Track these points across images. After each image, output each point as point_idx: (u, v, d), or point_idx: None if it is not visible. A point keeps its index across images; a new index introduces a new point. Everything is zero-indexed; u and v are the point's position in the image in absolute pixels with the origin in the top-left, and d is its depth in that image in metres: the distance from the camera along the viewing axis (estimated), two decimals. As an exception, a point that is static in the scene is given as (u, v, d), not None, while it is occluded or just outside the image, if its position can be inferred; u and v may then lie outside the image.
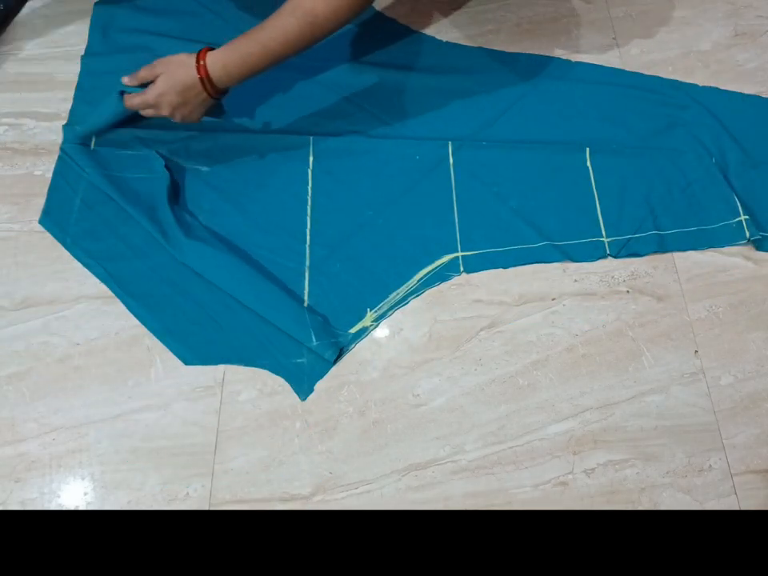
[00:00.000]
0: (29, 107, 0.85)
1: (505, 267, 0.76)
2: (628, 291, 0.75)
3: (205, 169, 0.80)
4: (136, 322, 0.71)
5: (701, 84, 0.89)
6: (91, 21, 0.91)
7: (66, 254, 0.75)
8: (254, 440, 0.67)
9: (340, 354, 0.71)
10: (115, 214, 0.76)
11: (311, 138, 0.83)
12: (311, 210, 0.79)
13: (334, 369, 0.70)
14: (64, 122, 0.83)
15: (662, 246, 0.77)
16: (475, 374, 0.70)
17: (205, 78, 0.69)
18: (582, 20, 0.95)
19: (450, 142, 0.83)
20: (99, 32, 0.90)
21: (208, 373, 0.70)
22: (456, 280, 0.75)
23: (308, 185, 0.80)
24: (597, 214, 0.79)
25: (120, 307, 0.72)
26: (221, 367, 0.70)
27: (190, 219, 0.76)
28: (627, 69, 0.91)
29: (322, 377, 0.70)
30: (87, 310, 0.72)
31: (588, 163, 0.82)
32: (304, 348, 0.70)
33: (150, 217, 0.74)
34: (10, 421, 0.67)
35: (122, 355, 0.70)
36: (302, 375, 0.70)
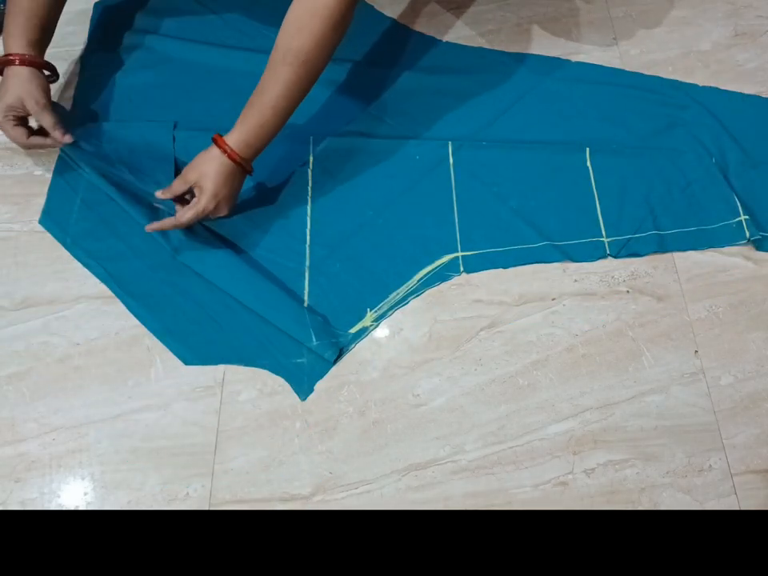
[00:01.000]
0: (29, 107, 0.85)
1: (505, 267, 0.76)
2: (628, 291, 0.75)
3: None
4: (136, 322, 0.71)
5: (701, 84, 0.89)
6: (91, 21, 0.92)
7: (66, 254, 0.75)
8: (254, 440, 0.67)
9: (340, 354, 0.71)
10: (115, 214, 0.76)
11: (311, 138, 0.83)
12: (311, 210, 0.79)
13: (334, 369, 0.70)
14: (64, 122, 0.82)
15: (662, 246, 0.77)
16: (475, 374, 0.70)
17: (239, 160, 0.69)
18: (582, 20, 0.95)
19: (449, 142, 0.83)
20: (99, 32, 0.90)
21: (208, 373, 0.70)
22: (456, 280, 0.75)
23: (308, 185, 0.80)
24: (597, 214, 0.79)
25: (120, 307, 0.72)
26: (221, 367, 0.70)
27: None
28: (627, 69, 0.91)
29: (322, 377, 0.70)
30: (87, 309, 0.72)
31: (588, 163, 0.82)
32: (304, 348, 0.70)
33: (150, 217, 0.74)
34: (9, 421, 0.67)
35: (121, 355, 0.70)
36: (302, 375, 0.70)
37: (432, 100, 0.87)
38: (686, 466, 0.66)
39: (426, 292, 0.74)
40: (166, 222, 0.70)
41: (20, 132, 0.73)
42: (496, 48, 0.92)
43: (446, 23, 0.94)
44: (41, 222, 0.77)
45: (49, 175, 0.79)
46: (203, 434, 0.67)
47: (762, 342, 0.73)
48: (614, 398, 0.69)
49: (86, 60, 0.88)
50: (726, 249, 0.78)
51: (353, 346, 0.71)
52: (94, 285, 0.73)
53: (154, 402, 0.68)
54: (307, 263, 0.76)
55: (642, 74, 0.90)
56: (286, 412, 0.68)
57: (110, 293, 0.73)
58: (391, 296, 0.74)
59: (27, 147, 0.76)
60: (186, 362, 0.70)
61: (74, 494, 0.64)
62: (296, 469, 0.66)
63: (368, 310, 0.73)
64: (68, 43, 0.90)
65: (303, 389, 0.69)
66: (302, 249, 0.76)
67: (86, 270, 0.74)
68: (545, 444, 0.67)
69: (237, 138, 0.68)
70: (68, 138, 0.74)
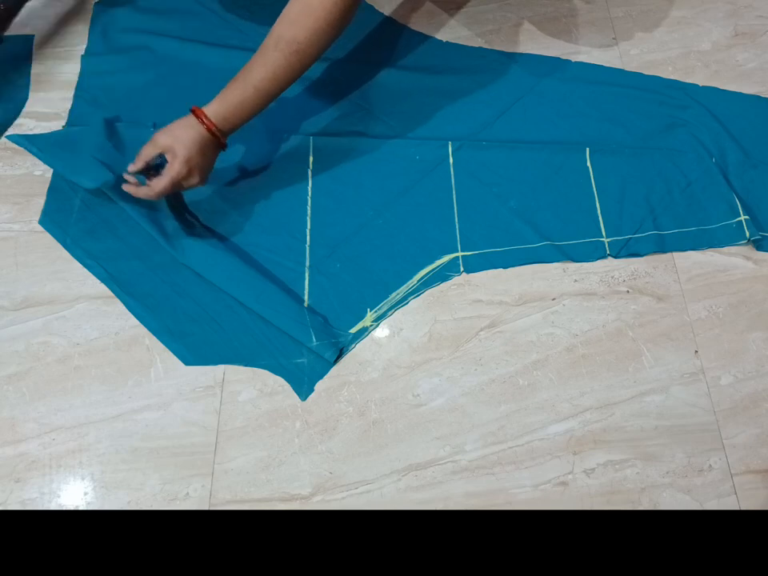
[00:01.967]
0: (29, 107, 0.85)
1: (505, 267, 0.76)
2: (628, 291, 0.75)
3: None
4: (136, 322, 0.71)
5: (701, 84, 0.89)
6: (91, 21, 0.92)
7: (66, 254, 0.75)
8: (254, 440, 0.67)
9: (340, 354, 0.71)
10: (115, 214, 0.76)
11: (311, 138, 0.83)
12: (311, 210, 0.79)
13: (334, 369, 0.70)
14: (64, 122, 0.83)
15: (662, 246, 0.77)
16: (475, 374, 0.70)
17: (215, 130, 0.67)
18: (582, 20, 0.95)
19: (449, 142, 0.83)
20: (99, 32, 0.90)
21: (208, 373, 0.70)
22: (456, 280, 0.75)
23: (308, 185, 0.80)
24: (597, 214, 0.79)
25: (120, 307, 0.72)
26: (221, 367, 0.70)
27: (190, 219, 0.76)
28: (627, 69, 0.91)
29: (322, 377, 0.70)
30: (87, 310, 0.72)
31: (588, 163, 0.82)
32: (304, 348, 0.70)
33: (150, 217, 0.74)
34: (10, 421, 0.67)
35: (122, 355, 0.70)
36: (302, 375, 0.70)
37: (432, 100, 0.87)
38: (685, 466, 0.66)
39: (426, 292, 0.74)
40: (141, 189, 0.68)
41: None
42: (496, 48, 0.92)
43: (446, 23, 0.94)
44: (41, 222, 0.77)
45: (49, 175, 0.79)
46: (203, 434, 0.67)
47: (762, 342, 0.73)
48: (613, 398, 0.69)
49: (86, 60, 0.88)
50: (726, 249, 0.78)
51: (353, 346, 0.71)
52: (93, 285, 0.73)
53: (154, 402, 0.68)
54: (307, 263, 0.76)
55: (642, 74, 0.90)
56: (286, 412, 0.68)
57: (110, 293, 0.73)
58: (391, 296, 0.74)
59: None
60: (186, 362, 0.70)
61: (73, 493, 0.64)
62: (296, 469, 0.66)
63: (368, 309, 0.73)
64: (68, 43, 0.90)
65: (303, 389, 0.69)
66: (302, 249, 0.76)
67: (85, 270, 0.74)
68: (545, 444, 0.67)
69: (215, 109, 0.67)
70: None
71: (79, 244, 0.75)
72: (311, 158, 0.82)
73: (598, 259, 0.77)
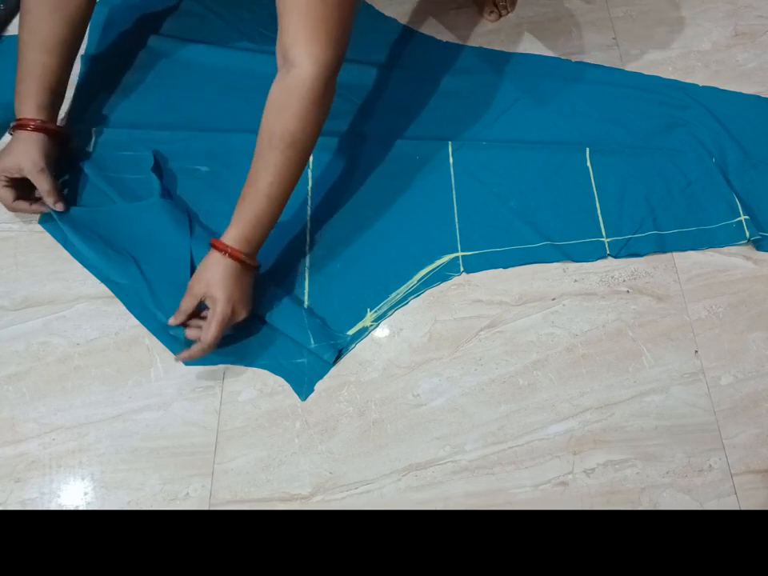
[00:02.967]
0: (29, 107, 0.85)
1: (505, 267, 0.76)
2: (628, 291, 0.75)
3: (205, 169, 0.80)
4: (136, 322, 0.71)
5: (701, 84, 0.89)
6: (91, 21, 0.91)
7: (66, 253, 0.75)
8: (254, 440, 0.67)
9: (340, 354, 0.71)
10: (115, 214, 0.76)
11: (311, 138, 0.83)
12: (311, 210, 0.79)
13: (334, 369, 0.70)
14: (64, 121, 0.83)
15: (662, 246, 0.77)
16: (475, 374, 0.70)
17: (243, 257, 0.65)
18: (582, 20, 0.95)
19: (449, 142, 0.83)
20: (99, 32, 0.90)
21: (208, 373, 0.70)
22: (456, 280, 0.75)
23: (308, 185, 0.80)
24: (597, 214, 0.79)
25: (120, 307, 0.72)
26: (221, 367, 0.70)
27: (190, 219, 0.76)
28: (627, 69, 0.91)
29: (321, 377, 0.70)
30: (87, 310, 0.72)
31: (588, 163, 0.82)
32: (304, 348, 0.70)
33: (150, 218, 0.74)
34: (10, 421, 0.67)
35: (121, 355, 0.70)
36: (302, 375, 0.70)
37: (432, 100, 0.87)
38: (685, 466, 0.66)
39: (426, 292, 0.74)
40: (194, 350, 0.65)
41: (7, 193, 0.72)
42: (496, 48, 0.92)
43: (446, 23, 0.94)
44: (41, 222, 0.76)
45: (49, 175, 0.79)
46: (203, 434, 0.67)
47: (762, 342, 0.73)
48: (613, 398, 0.69)
49: (86, 60, 0.88)
50: (726, 249, 0.78)
51: (353, 346, 0.71)
52: (93, 285, 0.73)
53: (153, 402, 0.68)
54: (307, 263, 0.75)
55: (642, 74, 0.90)
56: (286, 412, 0.68)
57: (110, 293, 0.73)
58: (391, 296, 0.74)
59: (10, 209, 0.74)
60: (186, 362, 0.70)
61: (73, 494, 0.64)
62: (296, 469, 0.66)
63: (368, 309, 0.73)
64: (68, 43, 0.89)
65: (303, 389, 0.69)
66: (302, 249, 0.76)
67: (85, 270, 0.74)
68: (545, 444, 0.67)
69: (234, 235, 0.65)
70: (60, 207, 0.72)
71: (79, 244, 0.75)
72: (311, 158, 0.82)
73: (598, 259, 0.77)
